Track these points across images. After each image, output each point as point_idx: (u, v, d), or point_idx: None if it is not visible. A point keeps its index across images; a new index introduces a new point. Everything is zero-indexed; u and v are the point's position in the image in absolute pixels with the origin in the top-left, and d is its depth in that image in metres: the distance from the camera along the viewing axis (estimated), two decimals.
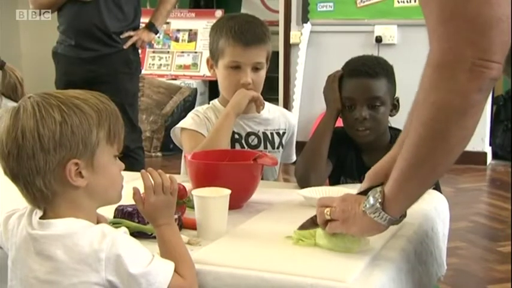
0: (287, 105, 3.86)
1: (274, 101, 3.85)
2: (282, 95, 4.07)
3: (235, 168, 1.23)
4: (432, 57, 0.84)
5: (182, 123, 1.53)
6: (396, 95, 1.46)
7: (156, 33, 2.71)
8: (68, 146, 0.86)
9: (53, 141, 0.85)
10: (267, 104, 1.56)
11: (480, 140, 3.50)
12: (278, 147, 1.55)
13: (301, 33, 3.80)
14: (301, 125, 3.69)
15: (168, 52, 4.57)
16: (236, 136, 1.52)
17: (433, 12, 0.85)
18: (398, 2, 3.37)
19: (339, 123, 1.44)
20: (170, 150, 3.67)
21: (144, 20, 2.75)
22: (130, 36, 2.56)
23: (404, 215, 0.94)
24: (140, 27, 2.66)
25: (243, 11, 4.72)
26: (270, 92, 3.53)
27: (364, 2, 3.45)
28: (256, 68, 1.50)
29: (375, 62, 1.45)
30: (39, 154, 0.85)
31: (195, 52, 4.52)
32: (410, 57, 3.32)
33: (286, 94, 4.05)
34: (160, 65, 4.54)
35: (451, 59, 0.82)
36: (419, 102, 0.87)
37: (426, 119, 0.85)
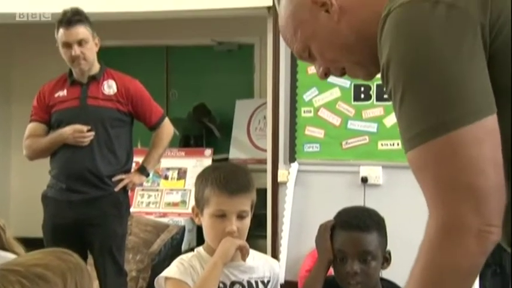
0: (275, 242, 3.84)
1: (262, 238, 3.84)
2: (270, 232, 4.06)
3: None
4: (437, 223, 0.88)
5: (166, 272, 1.52)
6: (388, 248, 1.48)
7: (147, 176, 2.77)
8: None
9: None
10: (251, 251, 1.57)
11: None
12: None
13: (289, 172, 3.88)
14: (290, 263, 3.65)
15: (157, 190, 4.62)
16: (221, 285, 1.51)
17: (429, 183, 0.89)
18: (382, 144, 3.50)
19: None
20: None
21: (136, 159, 2.82)
22: (122, 179, 2.61)
23: None
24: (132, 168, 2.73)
25: (231, 149, 4.85)
26: (258, 230, 3.53)
27: (349, 143, 3.58)
28: (241, 216, 1.53)
29: (366, 215, 1.49)
30: None
31: (184, 190, 4.57)
32: (395, 198, 3.38)
33: (274, 232, 4.04)
34: (149, 202, 4.57)
35: (458, 225, 0.86)
36: (423, 265, 0.90)
37: (434, 281, 0.88)
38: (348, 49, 1.08)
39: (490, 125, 0.87)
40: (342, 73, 1.15)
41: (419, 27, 0.88)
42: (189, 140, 5.13)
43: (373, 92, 3.51)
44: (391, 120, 3.46)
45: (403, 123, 0.92)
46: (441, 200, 0.87)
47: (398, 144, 3.43)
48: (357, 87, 3.53)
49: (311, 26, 1.09)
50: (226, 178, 1.53)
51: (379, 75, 1.01)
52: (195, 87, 5.44)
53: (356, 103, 3.55)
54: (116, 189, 2.56)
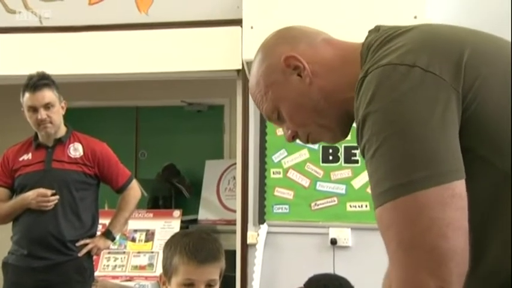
0: None
1: None
2: None
3: None
4: (397, 284, 0.88)
5: None
6: None
7: (112, 241, 2.72)
8: None
9: None
10: None
11: None
12: None
13: (258, 234, 3.85)
14: None
15: (124, 252, 4.52)
16: None
17: (392, 242, 0.89)
18: (351, 206, 3.51)
19: None
20: None
21: (102, 221, 2.77)
22: (86, 244, 2.55)
23: None
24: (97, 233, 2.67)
25: (201, 210, 4.81)
26: None
27: (318, 205, 3.58)
28: (209, 285, 1.51)
29: (337, 284, 1.48)
30: None
31: (152, 252, 4.48)
32: (365, 260, 3.36)
33: None
34: (116, 265, 4.45)
35: (415, 286, 0.86)
36: None
37: None
38: (317, 112, 1.10)
39: (456, 189, 0.88)
40: (307, 139, 1.17)
41: (396, 89, 0.91)
42: (157, 201, 5.07)
43: (341, 154, 3.55)
44: (359, 182, 3.49)
45: (374, 179, 0.93)
46: (401, 258, 0.87)
47: (367, 206, 3.44)
48: (325, 149, 3.57)
49: (282, 87, 1.11)
50: (195, 246, 1.51)
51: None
52: (165, 147, 5.43)
53: (324, 165, 3.58)
54: (80, 254, 2.50)
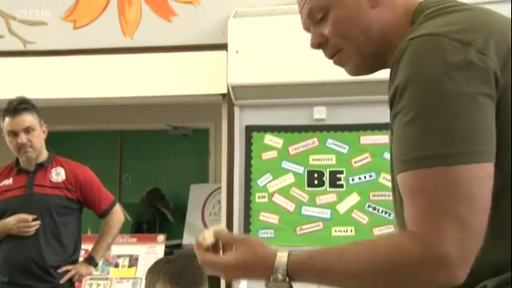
0: None
1: None
2: None
3: None
4: (416, 241, 0.89)
5: None
6: None
7: (95, 267, 2.68)
8: None
9: None
10: None
11: None
12: None
13: None
14: None
15: (107, 279, 4.45)
16: None
17: (423, 205, 0.91)
18: (336, 231, 3.50)
19: None
20: None
21: (85, 246, 2.73)
22: (68, 271, 2.51)
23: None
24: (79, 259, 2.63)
25: (185, 235, 4.77)
26: None
27: (303, 229, 3.56)
28: None
29: None
30: None
31: (135, 278, 4.41)
32: None
33: None
34: None
35: (437, 253, 0.88)
36: (373, 255, 0.93)
37: (371, 272, 0.92)
38: (364, 36, 1.08)
39: (491, 170, 0.90)
40: (332, 55, 1.14)
41: (447, 61, 0.91)
42: (141, 225, 5.02)
43: (326, 179, 3.55)
44: (344, 206, 3.49)
45: (405, 143, 0.93)
46: (430, 222, 0.88)
47: (351, 231, 3.44)
48: (310, 173, 3.57)
49: None
50: (178, 273, 1.50)
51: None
52: (149, 171, 5.40)
53: (310, 189, 3.57)
54: (62, 281, 2.46)
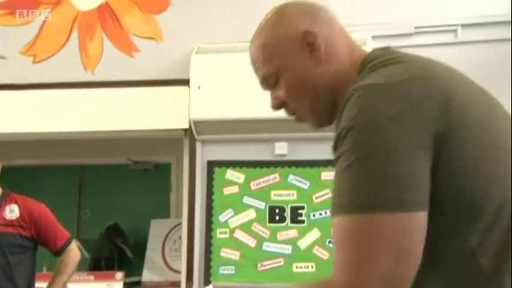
0: None
1: None
2: None
3: None
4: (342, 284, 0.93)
5: None
6: None
7: None
8: None
9: None
10: None
11: None
12: None
13: None
14: None
15: None
16: None
17: (348, 252, 0.93)
18: (297, 267, 3.48)
19: None
20: None
21: (40, 285, 2.65)
22: None
23: None
24: None
25: (145, 272, 4.67)
26: None
27: (264, 265, 3.54)
28: None
29: None
30: None
31: None
32: None
33: None
34: None
35: None
36: None
37: None
38: (315, 94, 1.15)
39: (421, 221, 0.92)
40: (293, 113, 1.20)
41: (383, 111, 0.94)
42: (99, 262, 4.90)
43: (288, 214, 3.55)
44: (305, 242, 3.49)
45: (343, 188, 0.96)
46: (354, 270, 0.90)
47: (313, 267, 3.43)
48: (271, 209, 3.56)
49: (292, 57, 1.15)
50: None
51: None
52: (109, 206, 5.31)
53: (271, 225, 3.56)
54: None
